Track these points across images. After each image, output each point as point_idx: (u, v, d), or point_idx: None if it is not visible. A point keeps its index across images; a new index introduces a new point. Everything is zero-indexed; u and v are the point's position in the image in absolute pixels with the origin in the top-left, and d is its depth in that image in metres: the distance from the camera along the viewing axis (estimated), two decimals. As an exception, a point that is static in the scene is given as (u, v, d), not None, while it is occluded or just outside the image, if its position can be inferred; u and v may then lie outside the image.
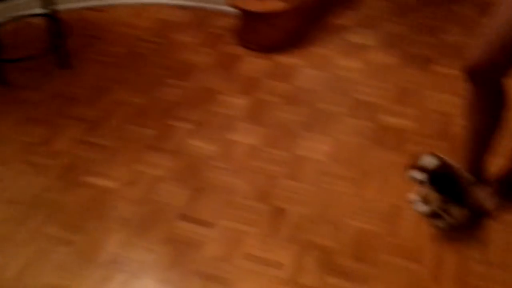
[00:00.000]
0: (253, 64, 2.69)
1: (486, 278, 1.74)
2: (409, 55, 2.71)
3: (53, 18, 2.56)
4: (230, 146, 2.25)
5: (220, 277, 1.77)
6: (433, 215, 1.85)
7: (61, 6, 2.73)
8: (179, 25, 2.96)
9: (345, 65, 2.66)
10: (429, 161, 1.74)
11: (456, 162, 1.97)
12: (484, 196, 1.92)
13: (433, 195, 1.82)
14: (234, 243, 1.87)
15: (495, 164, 1.97)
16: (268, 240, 1.88)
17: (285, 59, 2.72)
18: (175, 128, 2.32)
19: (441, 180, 1.75)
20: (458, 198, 1.81)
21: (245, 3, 2.67)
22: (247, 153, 2.21)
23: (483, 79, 1.70)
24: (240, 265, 1.81)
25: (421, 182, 1.76)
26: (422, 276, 1.76)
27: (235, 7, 2.70)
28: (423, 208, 1.86)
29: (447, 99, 2.43)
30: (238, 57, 2.74)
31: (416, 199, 1.96)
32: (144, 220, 1.94)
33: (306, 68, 2.66)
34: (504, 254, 1.80)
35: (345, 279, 1.75)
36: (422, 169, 1.75)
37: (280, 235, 1.90)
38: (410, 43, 2.80)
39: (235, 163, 2.17)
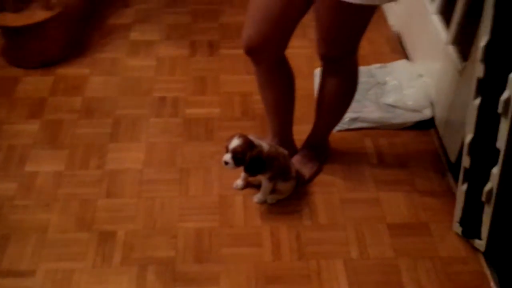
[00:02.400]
0: (34, 83, 2.42)
1: (320, 241, 1.82)
2: (195, 43, 2.69)
3: None
4: (31, 179, 1.99)
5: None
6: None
7: None
8: None
9: (136, 65, 2.54)
10: (233, 143, 1.74)
11: (267, 138, 2.03)
12: (299, 165, 2.00)
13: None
14: (64, 285, 1.67)
15: (304, 132, 2.07)
16: (102, 271, 1.71)
17: (69, 71, 2.49)
18: (-42, 176, 1.98)
19: (249, 160, 1.76)
20: (281, 174, 1.85)
21: (3, 19, 2.36)
22: (52, 182, 1.98)
23: (262, 56, 1.75)
24: (77, 308, 1.62)
25: (226, 163, 1.75)
26: (264, 257, 1.77)
27: (-5, 24, 2.38)
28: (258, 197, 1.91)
29: (242, 80, 2.47)
30: (15, 79, 2.43)
31: (240, 184, 1.97)
32: None
33: (95, 76, 2.47)
34: (329, 214, 1.90)
35: (194, 285, 1.68)
36: (229, 151, 1.74)
37: (113, 261, 1.74)
38: (193, 32, 2.78)
39: (42, 197, 1.93)
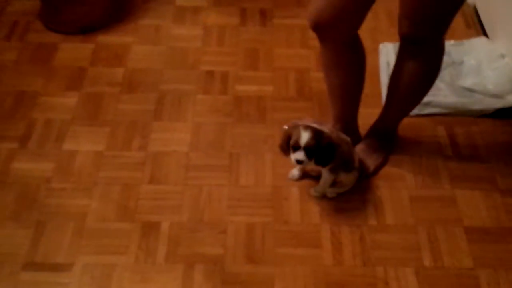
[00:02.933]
0: (74, 51, 2.23)
1: (387, 245, 1.61)
2: (246, 11, 2.45)
3: None
4: (69, 159, 1.83)
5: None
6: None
7: None
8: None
9: (182, 34, 2.33)
10: (304, 137, 1.52)
11: (327, 122, 1.81)
12: (364, 155, 1.78)
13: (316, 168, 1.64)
14: (104, 283, 1.52)
15: (367, 115, 1.84)
16: (145, 268, 1.55)
17: (111, 39, 2.29)
18: (-9, 152, 1.83)
19: (319, 151, 1.56)
20: (344, 165, 1.63)
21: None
22: (92, 163, 1.81)
23: (333, 34, 1.51)
24: (117, 309, 1.47)
25: (300, 162, 1.54)
26: (324, 261, 1.58)
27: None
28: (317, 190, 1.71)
29: (298, 54, 2.24)
30: (53, 45, 2.25)
31: (297, 174, 1.77)
32: (-23, 286, 1.49)
33: (138, 45, 2.27)
34: (397, 213, 1.69)
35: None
36: (301, 147, 1.53)
37: (157, 257, 1.58)
38: (242, -2, 2.55)
39: (81, 180, 1.77)
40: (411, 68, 1.55)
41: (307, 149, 1.52)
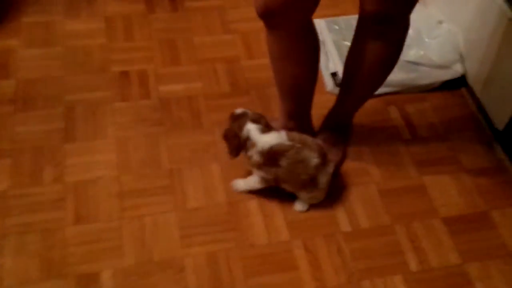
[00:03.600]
0: None
1: (368, 253, 1.43)
2: (151, -4, 2.12)
3: None
4: (-37, 208, 1.43)
5: None
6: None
7: None
8: None
9: (80, 30, 1.94)
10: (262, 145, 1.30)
11: (272, 119, 1.58)
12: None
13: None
14: None
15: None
16: (93, 337, 1.24)
17: (-10, 43, 1.86)
18: None
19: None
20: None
21: None
22: (-5, 208, 1.43)
23: (285, 20, 1.27)
24: None
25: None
26: (305, 284, 1.36)
27: None
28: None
29: (221, 40, 1.96)
30: None
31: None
32: None
33: (26, 49, 1.86)
34: (370, 213, 1.51)
35: None
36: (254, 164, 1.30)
37: (105, 318, 1.27)
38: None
39: (-15, 233, 1.39)
40: (375, 50, 1.34)
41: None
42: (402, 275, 1.39)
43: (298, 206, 1.48)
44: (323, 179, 1.41)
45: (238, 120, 1.39)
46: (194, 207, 1.48)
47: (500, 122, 1.68)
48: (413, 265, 1.41)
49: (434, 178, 1.60)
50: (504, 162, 1.65)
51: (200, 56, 1.89)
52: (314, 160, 1.37)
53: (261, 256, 1.40)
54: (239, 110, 1.41)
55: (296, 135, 1.41)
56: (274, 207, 1.50)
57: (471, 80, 1.82)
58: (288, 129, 1.54)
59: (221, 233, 1.43)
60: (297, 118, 1.55)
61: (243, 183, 1.50)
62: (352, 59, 1.42)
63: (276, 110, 1.69)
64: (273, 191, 1.49)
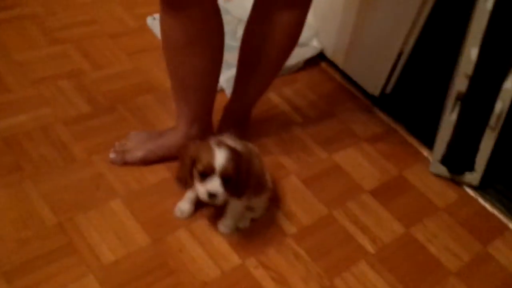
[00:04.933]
0: None
1: (325, 250, 1.27)
2: None
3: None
4: None
5: None
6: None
7: None
8: None
9: None
10: (219, 158, 1.03)
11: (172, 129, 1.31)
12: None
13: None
14: None
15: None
16: None
17: None
18: None
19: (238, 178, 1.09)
20: (256, 186, 1.18)
21: None
22: None
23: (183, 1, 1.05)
24: None
25: (214, 196, 1.04)
26: (281, 306, 1.14)
27: None
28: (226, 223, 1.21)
29: (50, 54, 1.56)
30: None
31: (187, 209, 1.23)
32: None
33: None
34: (304, 207, 1.35)
35: None
36: (206, 174, 1.03)
37: None
38: None
39: None
40: (282, 17, 1.19)
41: (225, 177, 1.02)
42: (365, 260, 1.27)
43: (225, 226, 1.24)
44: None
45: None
46: (112, 260, 1.12)
47: (374, 89, 1.70)
48: (369, 247, 1.30)
49: (342, 154, 1.53)
50: (391, 124, 1.67)
51: (32, 76, 1.47)
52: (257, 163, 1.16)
53: (221, 291, 1.13)
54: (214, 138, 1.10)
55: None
56: (206, 231, 1.23)
57: (330, 53, 1.80)
58: (191, 136, 1.29)
59: (160, 282, 1.11)
60: (201, 122, 1.30)
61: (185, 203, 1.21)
62: (251, 42, 1.24)
63: (155, 120, 1.42)
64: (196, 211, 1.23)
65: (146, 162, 1.31)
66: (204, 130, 1.32)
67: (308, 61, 1.79)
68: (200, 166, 1.02)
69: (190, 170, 1.05)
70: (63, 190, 1.21)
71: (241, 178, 1.05)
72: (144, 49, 1.67)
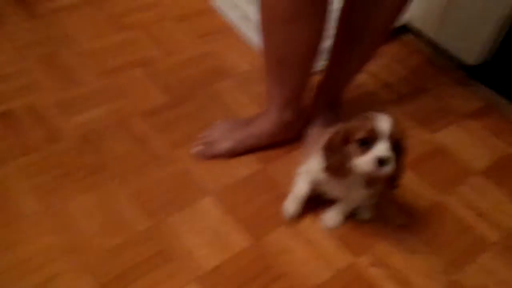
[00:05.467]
0: None
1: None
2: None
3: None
4: None
5: None
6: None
7: None
8: None
9: None
10: (384, 121, 0.89)
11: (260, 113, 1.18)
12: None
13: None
14: None
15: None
16: None
17: None
18: None
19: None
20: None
21: None
22: None
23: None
24: None
25: (383, 163, 0.89)
26: None
27: None
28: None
29: (118, 40, 1.45)
30: None
31: (293, 209, 1.10)
32: None
33: None
34: (413, 200, 1.21)
35: None
36: (370, 140, 0.89)
37: None
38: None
39: None
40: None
41: (394, 140, 0.89)
42: (489, 250, 1.12)
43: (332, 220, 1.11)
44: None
45: None
46: (213, 265, 1.00)
47: (470, 57, 1.52)
48: (491, 235, 1.15)
49: (445, 133, 1.36)
50: (492, 97, 1.49)
51: (103, 67, 1.36)
52: None
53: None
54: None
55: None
56: (309, 227, 1.09)
57: (419, 23, 1.63)
58: (284, 121, 1.16)
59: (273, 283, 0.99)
60: (295, 105, 1.16)
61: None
62: (351, 14, 1.09)
63: (236, 107, 1.30)
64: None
65: (235, 153, 1.19)
66: (298, 114, 1.18)
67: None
68: (361, 134, 0.88)
69: (343, 152, 0.91)
70: (150, 190, 1.10)
71: (403, 152, 0.91)
72: (214, 31, 1.54)
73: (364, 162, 0.88)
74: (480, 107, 1.46)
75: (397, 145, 0.89)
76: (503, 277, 1.07)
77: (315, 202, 1.10)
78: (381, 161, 0.87)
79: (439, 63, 1.58)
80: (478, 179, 1.26)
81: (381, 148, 0.87)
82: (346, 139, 0.91)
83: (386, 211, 1.15)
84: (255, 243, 1.05)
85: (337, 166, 0.93)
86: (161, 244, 1.01)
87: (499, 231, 1.15)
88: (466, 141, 1.35)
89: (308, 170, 1.04)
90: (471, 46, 1.51)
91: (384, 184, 0.96)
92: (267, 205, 1.11)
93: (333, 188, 1.02)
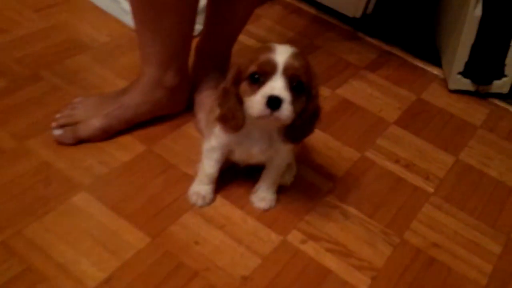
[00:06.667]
0: None
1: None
2: None
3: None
4: None
5: None
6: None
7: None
8: None
9: None
10: (283, 52, 0.69)
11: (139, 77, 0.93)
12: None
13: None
14: None
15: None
16: None
17: None
18: None
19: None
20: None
21: None
22: None
23: None
24: None
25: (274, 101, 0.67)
26: None
27: None
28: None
29: None
30: None
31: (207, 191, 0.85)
32: None
33: None
34: (333, 161, 1.02)
35: None
36: (263, 74, 0.68)
37: None
38: None
39: None
40: None
41: (291, 77, 0.68)
42: (428, 203, 0.96)
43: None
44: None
45: None
46: (102, 279, 0.72)
47: (355, 11, 1.40)
48: (426, 187, 1.00)
49: (346, 88, 1.21)
50: (383, 47, 1.38)
51: None
52: None
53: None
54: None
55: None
56: (219, 209, 0.85)
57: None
58: (165, 84, 0.91)
59: (183, 293, 0.73)
60: (177, 65, 0.92)
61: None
62: None
63: (101, 82, 1.04)
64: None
65: (109, 133, 0.91)
66: (182, 77, 0.94)
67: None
68: (253, 67, 0.67)
69: (237, 93, 0.69)
70: (-5, 196, 0.79)
71: (311, 93, 0.71)
72: (54, 3, 1.24)
73: (252, 104, 0.68)
74: (374, 59, 1.34)
75: (300, 86, 0.69)
76: (451, 228, 0.92)
77: (222, 179, 0.86)
78: (271, 102, 0.66)
79: (323, 20, 1.44)
80: (393, 129, 1.12)
81: (272, 86, 0.66)
82: (239, 77, 0.70)
83: (310, 180, 0.95)
84: (154, 241, 0.78)
85: (230, 113, 0.71)
86: (19, 265, 0.70)
87: (433, 181, 1.01)
88: (370, 93, 1.21)
89: (213, 144, 0.80)
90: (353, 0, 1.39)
91: (281, 136, 0.75)
92: (160, 192, 0.85)
93: (246, 150, 0.79)
